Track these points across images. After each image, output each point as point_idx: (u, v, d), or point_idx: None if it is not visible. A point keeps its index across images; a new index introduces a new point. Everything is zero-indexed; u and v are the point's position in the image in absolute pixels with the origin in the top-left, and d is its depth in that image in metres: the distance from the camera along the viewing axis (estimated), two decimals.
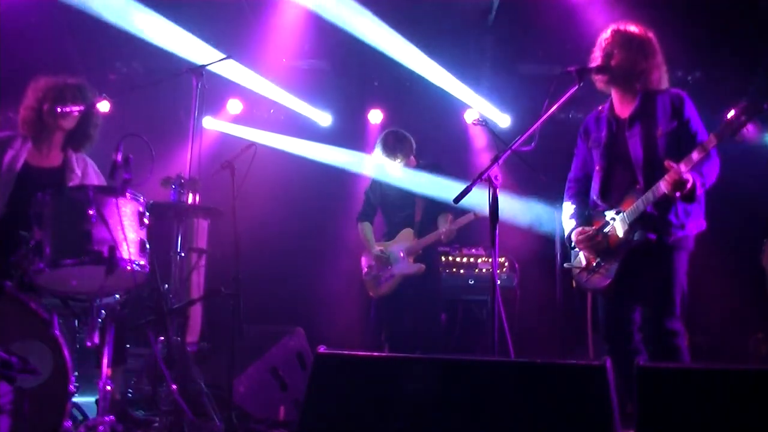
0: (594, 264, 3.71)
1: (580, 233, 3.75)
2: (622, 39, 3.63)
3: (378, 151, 5.24)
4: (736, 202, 5.68)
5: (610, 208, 3.66)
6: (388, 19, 6.12)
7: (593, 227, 3.73)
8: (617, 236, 3.59)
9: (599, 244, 3.68)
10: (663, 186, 3.35)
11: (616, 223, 3.60)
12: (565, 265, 3.95)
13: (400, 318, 5.16)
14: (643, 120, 3.61)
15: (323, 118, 7.23)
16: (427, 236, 5.11)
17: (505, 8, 6.13)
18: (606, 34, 3.69)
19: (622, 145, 3.65)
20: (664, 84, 3.67)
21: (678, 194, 3.35)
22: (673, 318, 3.47)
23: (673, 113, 3.55)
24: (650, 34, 3.67)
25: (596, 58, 3.67)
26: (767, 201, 5.95)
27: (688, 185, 3.32)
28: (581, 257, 3.80)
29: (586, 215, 3.82)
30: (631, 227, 3.53)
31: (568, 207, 3.91)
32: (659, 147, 3.53)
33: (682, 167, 3.29)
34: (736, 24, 5.95)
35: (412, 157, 5.28)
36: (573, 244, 3.82)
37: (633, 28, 3.66)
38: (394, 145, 5.19)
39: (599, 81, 3.70)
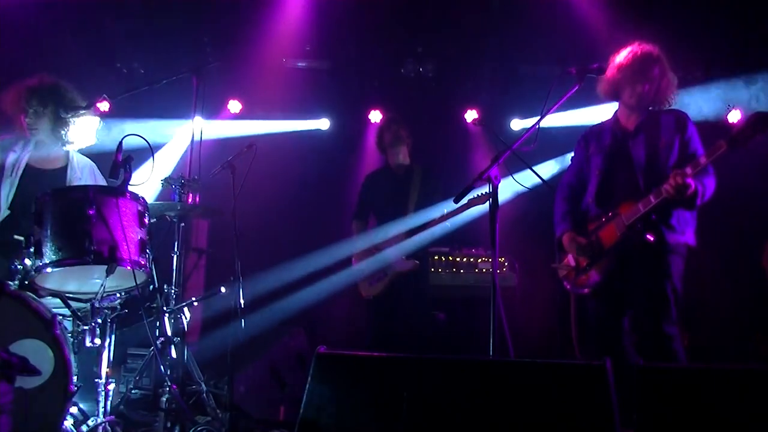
0: (584, 265, 3.73)
1: (572, 239, 3.77)
2: (660, 68, 3.66)
3: (386, 136, 5.24)
4: (737, 202, 5.68)
5: (605, 212, 3.68)
6: None
7: (587, 231, 3.74)
8: (612, 238, 3.60)
9: (591, 247, 3.69)
10: (666, 188, 3.36)
11: (612, 226, 3.60)
12: (552, 265, 3.96)
13: (395, 317, 5.13)
14: (648, 132, 3.69)
15: (322, 123, 7.26)
16: (420, 231, 5.07)
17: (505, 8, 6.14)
18: (655, 59, 3.67)
19: (625, 151, 3.71)
20: (673, 93, 3.71)
21: (679, 198, 3.37)
22: (670, 322, 3.48)
23: (676, 129, 3.64)
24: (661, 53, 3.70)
25: (649, 92, 3.64)
26: (767, 200, 5.95)
27: (690, 190, 3.34)
28: (569, 258, 3.82)
29: (579, 219, 3.84)
30: (629, 229, 3.53)
31: (561, 209, 3.93)
32: (661, 154, 3.60)
33: (688, 170, 3.33)
34: (736, 24, 5.96)
35: (407, 150, 5.30)
36: (563, 247, 3.83)
37: (663, 54, 3.69)
38: (399, 130, 5.22)
39: (605, 88, 3.73)
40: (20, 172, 3.86)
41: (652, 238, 3.49)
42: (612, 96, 3.79)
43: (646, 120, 3.71)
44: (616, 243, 3.58)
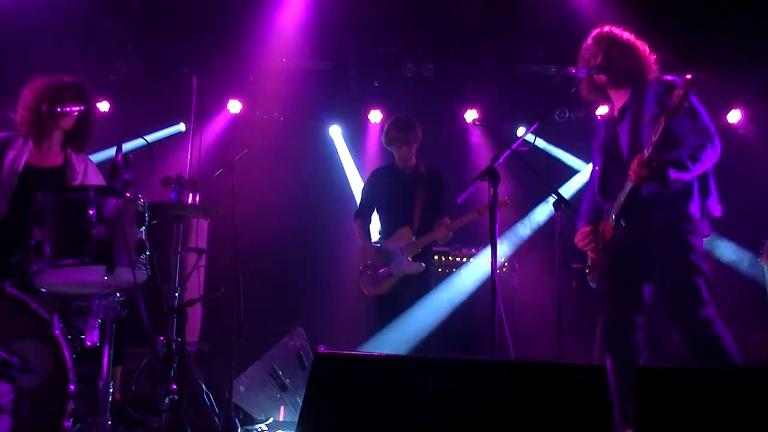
0: (596, 261, 3.72)
1: (580, 235, 3.76)
2: (612, 41, 3.61)
3: (391, 133, 5.22)
4: (737, 201, 5.68)
5: (607, 205, 3.66)
6: None
7: (598, 226, 3.73)
8: (609, 232, 3.59)
9: (598, 241, 3.67)
10: (629, 174, 3.31)
11: (608, 219, 3.60)
12: (573, 265, 3.93)
13: (399, 317, 5.12)
14: (632, 111, 3.58)
15: (333, 131, 7.30)
16: (426, 235, 5.06)
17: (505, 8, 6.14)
18: (597, 39, 3.65)
19: (616, 141, 3.64)
20: (655, 72, 3.59)
21: (650, 180, 3.30)
22: (703, 306, 3.32)
23: (659, 100, 3.45)
24: (631, 35, 3.64)
25: (592, 60, 3.62)
26: (767, 200, 5.95)
27: (656, 170, 3.23)
28: (589, 255, 3.80)
29: (597, 215, 3.81)
30: (617, 220, 3.51)
31: (583, 206, 3.88)
32: (643, 134, 3.45)
33: (645, 152, 3.24)
34: (735, 24, 5.96)
35: (414, 150, 5.28)
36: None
37: (616, 30, 3.65)
38: (408, 128, 5.19)
39: (588, 86, 3.69)
40: (20, 170, 3.84)
41: (624, 223, 3.46)
42: (602, 90, 3.71)
43: (630, 99, 3.59)
44: (611, 237, 3.57)
